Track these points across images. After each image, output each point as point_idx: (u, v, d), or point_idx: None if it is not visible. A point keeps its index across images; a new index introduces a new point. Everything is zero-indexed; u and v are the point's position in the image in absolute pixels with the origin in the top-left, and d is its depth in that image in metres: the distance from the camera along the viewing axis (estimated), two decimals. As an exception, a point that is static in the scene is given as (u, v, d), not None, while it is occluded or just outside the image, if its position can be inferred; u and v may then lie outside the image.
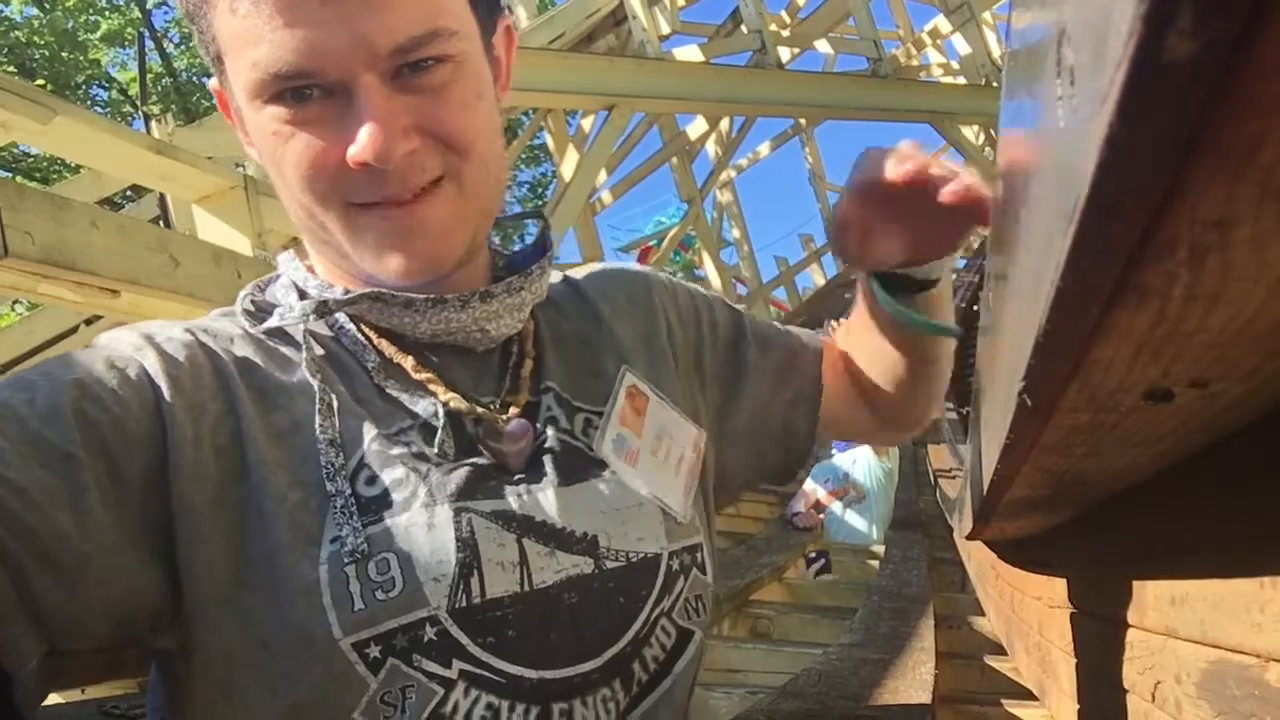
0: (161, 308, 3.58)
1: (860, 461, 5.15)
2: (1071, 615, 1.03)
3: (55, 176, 13.10)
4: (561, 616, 0.67)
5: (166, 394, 0.63)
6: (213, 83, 0.70)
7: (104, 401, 0.60)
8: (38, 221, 3.14)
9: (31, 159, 14.23)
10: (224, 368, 0.67)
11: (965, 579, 3.46)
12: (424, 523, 0.65)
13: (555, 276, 0.84)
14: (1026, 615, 1.50)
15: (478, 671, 0.64)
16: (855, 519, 5.08)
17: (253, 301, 0.74)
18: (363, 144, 0.62)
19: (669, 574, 0.74)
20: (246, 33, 0.62)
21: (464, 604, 0.64)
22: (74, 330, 6.11)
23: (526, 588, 0.66)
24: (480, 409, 0.71)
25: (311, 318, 0.70)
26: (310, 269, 0.76)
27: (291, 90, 0.63)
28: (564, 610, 0.68)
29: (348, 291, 0.72)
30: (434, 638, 0.63)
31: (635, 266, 0.93)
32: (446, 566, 0.64)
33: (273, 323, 0.71)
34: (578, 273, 0.89)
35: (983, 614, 2.71)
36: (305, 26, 0.61)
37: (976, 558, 2.42)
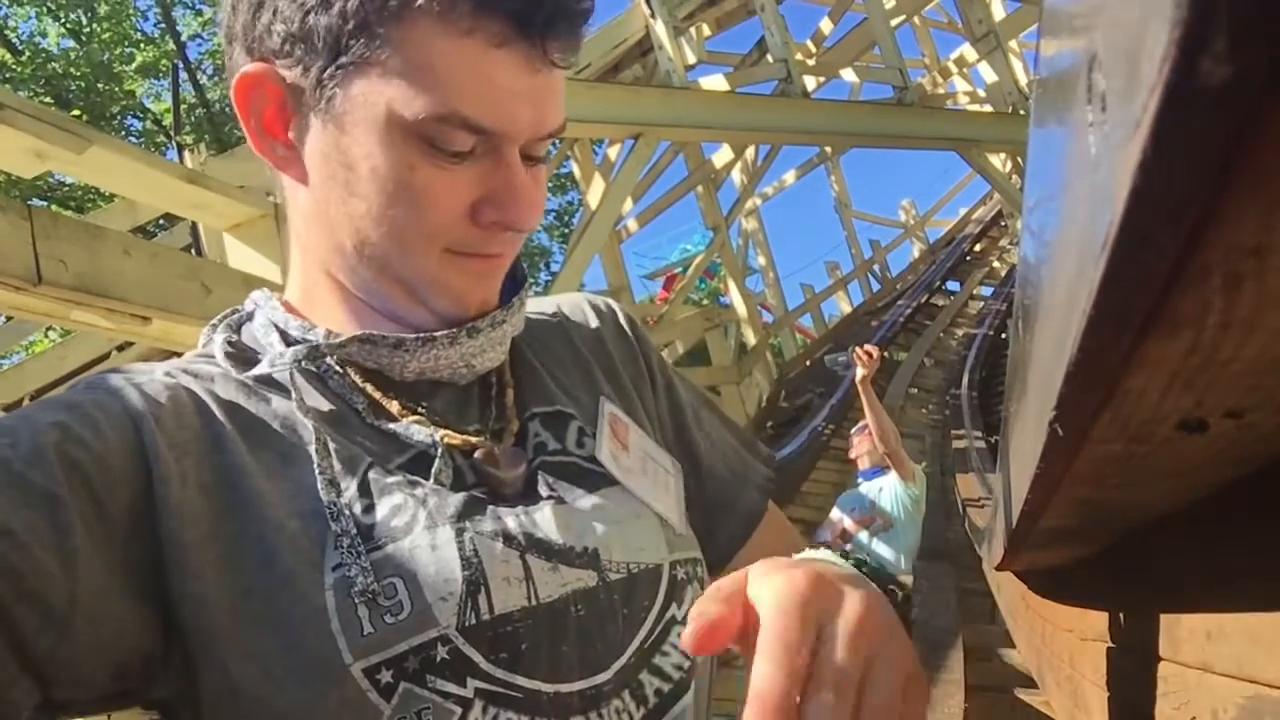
0: (192, 334, 3.62)
1: (887, 489, 5.06)
2: (1105, 648, 1.01)
3: (90, 205, 13.33)
4: (570, 630, 0.67)
5: (148, 432, 0.63)
6: (289, 70, 0.66)
7: (86, 441, 0.60)
8: (71, 249, 3.19)
9: (67, 188, 14.49)
10: (206, 408, 0.67)
11: (995, 610, 3.42)
12: (427, 544, 0.65)
13: (530, 304, 0.85)
14: (1058, 648, 1.48)
15: (494, 689, 0.64)
16: (882, 548, 5.00)
17: (230, 343, 0.73)
18: (523, 211, 0.68)
19: (674, 583, 0.73)
20: (458, 67, 0.63)
21: (474, 621, 0.64)
22: (106, 356, 6.19)
23: (534, 602, 0.66)
24: (475, 440, 0.72)
25: (304, 362, 0.70)
26: (287, 306, 0.76)
27: (459, 137, 0.64)
28: (572, 623, 0.67)
29: (329, 333, 0.72)
30: (446, 657, 0.62)
31: (615, 305, 0.93)
32: (454, 585, 0.64)
33: (263, 368, 0.70)
34: (552, 302, 0.90)
35: (1013, 646, 2.67)
36: (510, 92, 0.64)
37: (1006, 589, 2.39)
